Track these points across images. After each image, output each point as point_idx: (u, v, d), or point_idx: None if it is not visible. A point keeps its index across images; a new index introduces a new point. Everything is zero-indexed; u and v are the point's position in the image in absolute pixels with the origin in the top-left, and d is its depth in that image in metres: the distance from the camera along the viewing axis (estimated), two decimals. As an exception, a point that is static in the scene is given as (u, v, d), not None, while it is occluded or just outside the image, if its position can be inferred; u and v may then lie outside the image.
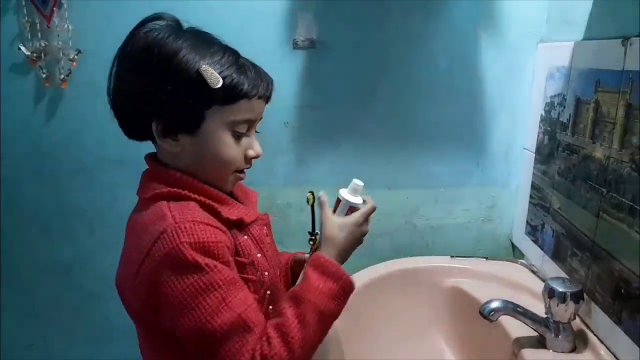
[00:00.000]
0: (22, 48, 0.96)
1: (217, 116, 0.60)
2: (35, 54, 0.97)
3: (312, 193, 0.74)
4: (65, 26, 0.96)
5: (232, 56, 0.62)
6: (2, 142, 1.04)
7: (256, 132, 0.67)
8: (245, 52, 0.98)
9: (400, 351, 0.94)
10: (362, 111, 1.05)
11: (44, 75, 0.98)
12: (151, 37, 0.59)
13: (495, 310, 0.74)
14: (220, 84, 0.58)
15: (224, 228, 0.60)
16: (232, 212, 0.63)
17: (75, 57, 0.97)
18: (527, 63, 1.03)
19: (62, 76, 0.98)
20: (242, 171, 0.66)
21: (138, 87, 0.60)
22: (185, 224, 0.56)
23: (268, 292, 0.65)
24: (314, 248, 0.72)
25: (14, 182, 1.06)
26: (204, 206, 0.61)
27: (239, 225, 0.64)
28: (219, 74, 0.59)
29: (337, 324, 0.81)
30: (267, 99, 0.65)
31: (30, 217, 1.09)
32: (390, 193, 1.10)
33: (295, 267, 0.78)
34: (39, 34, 0.96)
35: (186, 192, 0.61)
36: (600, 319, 0.75)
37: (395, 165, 1.08)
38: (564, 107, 0.88)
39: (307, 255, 0.74)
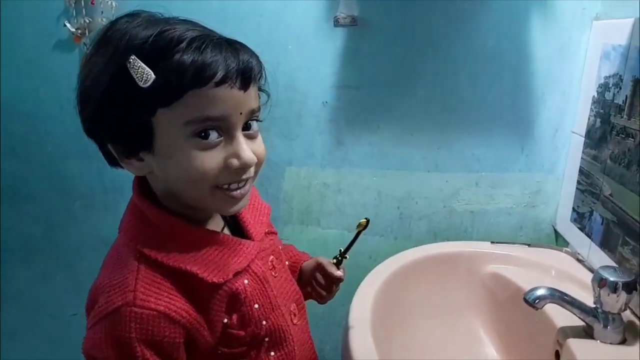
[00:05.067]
0: (68, 25, 0.98)
1: (167, 121, 0.48)
2: (79, 31, 0.98)
3: (368, 221, 0.69)
4: (109, 3, 0.97)
5: (183, 37, 0.47)
6: (49, 120, 1.06)
7: (245, 129, 0.52)
8: (285, 29, 0.98)
9: (436, 337, 0.93)
10: (403, 92, 1.02)
11: (88, 52, 0.99)
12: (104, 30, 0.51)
13: (541, 298, 0.72)
14: (150, 80, 0.46)
15: (184, 310, 0.50)
16: (219, 270, 0.53)
17: (118, 34, 0.98)
18: (579, 42, 0.98)
19: (105, 53, 0.99)
20: (231, 187, 0.52)
21: (83, 90, 0.51)
22: (143, 313, 0.48)
23: (267, 339, 0.58)
24: (334, 263, 0.71)
25: (60, 159, 1.09)
26: (179, 275, 0.51)
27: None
28: (153, 65, 0.46)
29: (373, 307, 0.82)
30: (242, 85, 0.49)
31: (75, 192, 1.11)
32: (430, 176, 1.07)
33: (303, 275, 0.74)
34: (84, 11, 0.97)
35: (160, 257, 0.51)
36: (653, 311, 0.72)
37: (436, 148, 1.06)
38: (620, 88, 0.84)
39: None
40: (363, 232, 0.69)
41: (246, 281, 0.55)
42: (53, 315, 1.19)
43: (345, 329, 0.76)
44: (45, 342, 1.21)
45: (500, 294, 0.93)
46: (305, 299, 0.71)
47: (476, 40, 0.99)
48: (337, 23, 0.98)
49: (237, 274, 0.55)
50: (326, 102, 1.03)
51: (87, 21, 0.98)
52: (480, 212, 1.10)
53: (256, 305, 0.56)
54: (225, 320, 0.54)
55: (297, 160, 1.06)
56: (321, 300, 0.73)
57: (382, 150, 1.06)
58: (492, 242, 1.02)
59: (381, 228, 1.10)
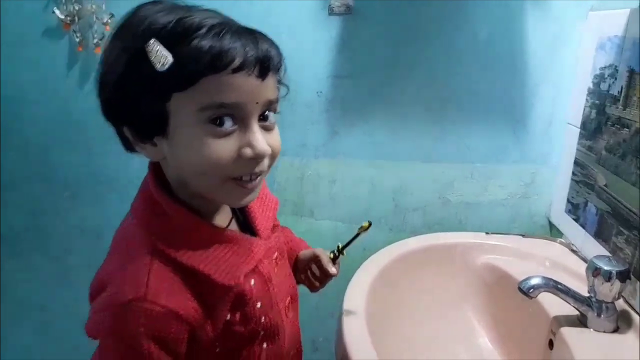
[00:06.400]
0: (56, 11, 0.95)
1: (182, 107, 0.48)
2: (69, 18, 0.96)
3: (370, 224, 0.70)
4: (99, -11, 0.95)
5: (203, 24, 0.47)
6: (34, 107, 1.04)
7: (262, 120, 0.52)
8: (278, 17, 0.97)
9: (430, 327, 0.92)
10: (398, 82, 1.02)
11: (77, 40, 0.97)
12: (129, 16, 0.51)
13: (536, 287, 0.71)
14: (167, 64, 0.46)
15: (193, 309, 0.50)
16: (229, 271, 0.52)
17: (109, 21, 0.96)
18: (574, 33, 0.97)
19: (95, 40, 0.97)
20: (243, 178, 0.51)
21: (102, 74, 0.51)
22: (154, 310, 0.48)
23: (262, 332, 0.58)
24: (331, 258, 0.71)
25: (45, 148, 1.07)
26: (191, 275, 0.50)
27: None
28: (173, 49, 0.46)
29: (367, 297, 0.81)
30: (260, 73, 0.49)
31: (61, 183, 1.10)
32: (424, 167, 1.07)
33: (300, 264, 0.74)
34: (73, -3, 0.96)
35: (174, 254, 0.50)
36: (647, 300, 0.72)
37: (430, 138, 1.05)
38: (616, 78, 0.83)
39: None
40: (363, 233, 0.70)
41: (252, 282, 0.55)
42: (41, 307, 1.17)
43: (340, 320, 0.76)
44: (33, 334, 1.19)
45: (495, 284, 0.93)
46: (297, 283, 0.72)
47: (469, 29, 0.98)
48: (331, 11, 0.97)
49: (245, 275, 0.54)
50: (320, 92, 1.02)
51: (77, 8, 0.96)
52: (475, 204, 1.09)
53: (259, 304, 0.56)
54: (228, 317, 0.53)
55: (291, 151, 1.05)
56: (312, 289, 0.74)
57: (377, 141, 1.05)
58: (486, 233, 1.02)
59: (375, 219, 1.07)
